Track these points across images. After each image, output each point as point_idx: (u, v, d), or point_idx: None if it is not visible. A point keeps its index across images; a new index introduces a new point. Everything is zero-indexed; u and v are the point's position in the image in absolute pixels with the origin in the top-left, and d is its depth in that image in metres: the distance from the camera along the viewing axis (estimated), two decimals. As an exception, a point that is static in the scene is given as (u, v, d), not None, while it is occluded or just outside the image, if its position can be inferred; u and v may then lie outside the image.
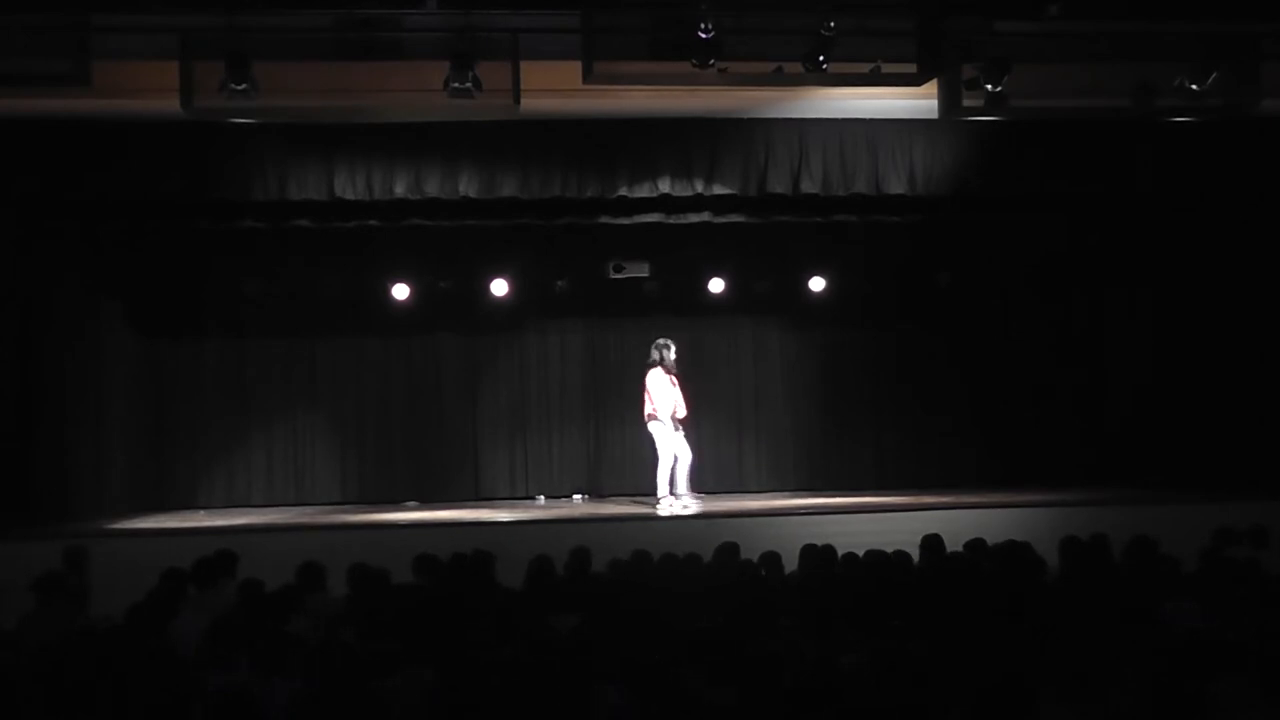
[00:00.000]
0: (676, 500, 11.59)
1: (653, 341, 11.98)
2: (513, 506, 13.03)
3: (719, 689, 4.53)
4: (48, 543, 8.86)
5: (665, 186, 11.31)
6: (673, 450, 11.65)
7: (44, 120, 10.40)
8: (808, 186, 11.33)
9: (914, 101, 10.40)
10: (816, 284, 13.97)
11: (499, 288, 13.63)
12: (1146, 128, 10.96)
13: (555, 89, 9.74)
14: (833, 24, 9.08)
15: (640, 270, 13.72)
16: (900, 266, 13.92)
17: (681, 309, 14.07)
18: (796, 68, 9.37)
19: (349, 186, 11.03)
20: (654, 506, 11.58)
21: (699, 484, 13.52)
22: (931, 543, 7.88)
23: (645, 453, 11.92)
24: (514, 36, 9.20)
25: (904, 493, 12.67)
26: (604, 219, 11.87)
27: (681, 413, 11.78)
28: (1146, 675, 4.42)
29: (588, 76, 9.21)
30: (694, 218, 11.83)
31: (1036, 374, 14.11)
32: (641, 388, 11.86)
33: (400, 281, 13.56)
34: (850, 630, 5.59)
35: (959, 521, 9.85)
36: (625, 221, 11.89)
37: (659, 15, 9.12)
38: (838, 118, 11.25)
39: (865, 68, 9.65)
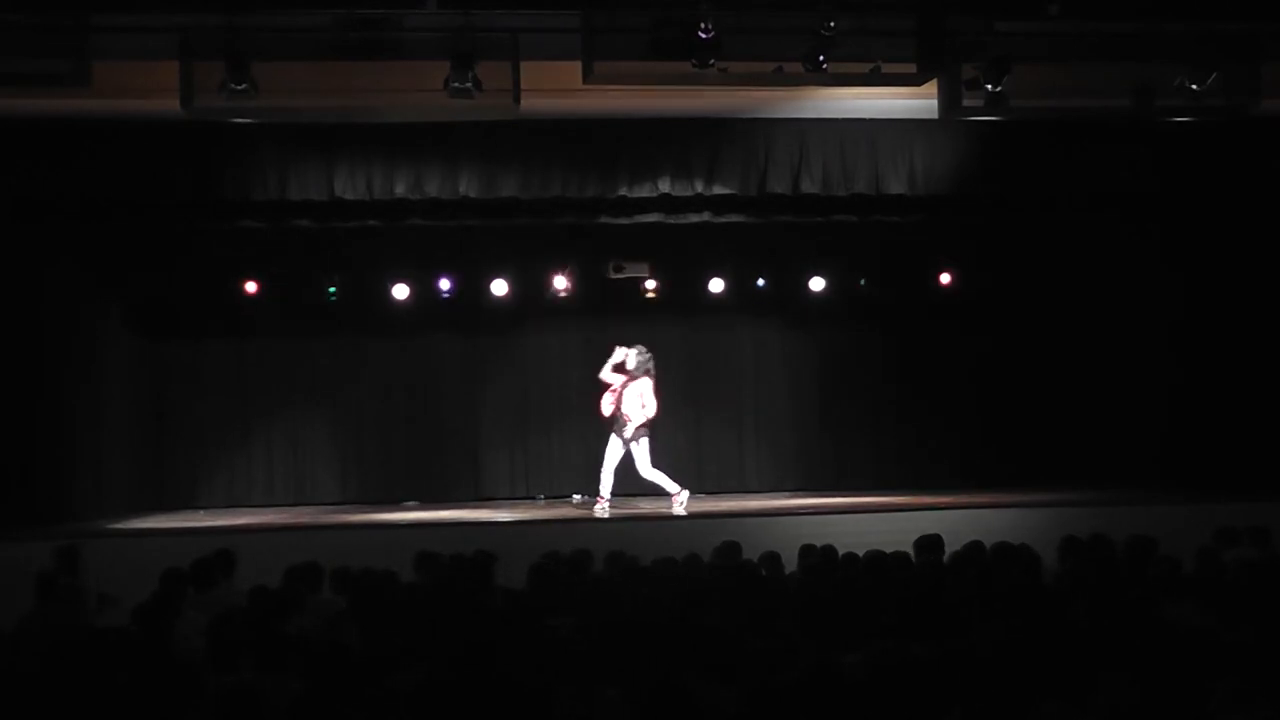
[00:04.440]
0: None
1: (640, 349, 11.83)
2: (513, 506, 13.03)
3: (719, 689, 4.52)
4: (48, 543, 8.86)
5: (665, 186, 11.30)
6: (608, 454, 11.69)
7: (44, 120, 10.40)
8: (808, 186, 11.32)
9: (914, 101, 10.40)
10: (816, 284, 13.99)
11: (499, 288, 13.64)
12: (1146, 127, 10.95)
13: (555, 89, 9.74)
14: (833, 24, 9.07)
15: (640, 270, 13.72)
16: (900, 266, 13.93)
17: (681, 309, 14.07)
18: (796, 68, 9.37)
19: (349, 186, 11.03)
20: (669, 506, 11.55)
21: (700, 484, 13.56)
22: (926, 543, 7.87)
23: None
24: (514, 36, 9.19)
25: (904, 493, 12.67)
26: (604, 219, 11.86)
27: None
28: (1146, 675, 4.41)
29: (588, 76, 9.21)
30: (694, 218, 11.82)
31: (1036, 374, 14.12)
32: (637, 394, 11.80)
33: (400, 281, 13.57)
34: (850, 630, 5.58)
35: (959, 521, 9.85)
36: (625, 221, 11.88)
37: (659, 15, 9.11)
38: (838, 118, 11.25)
39: (865, 68, 9.65)
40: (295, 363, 13.99)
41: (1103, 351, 13.89)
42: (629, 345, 11.83)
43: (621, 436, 11.58)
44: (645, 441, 11.58)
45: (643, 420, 11.55)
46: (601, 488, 11.63)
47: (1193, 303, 12.71)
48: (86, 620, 6.73)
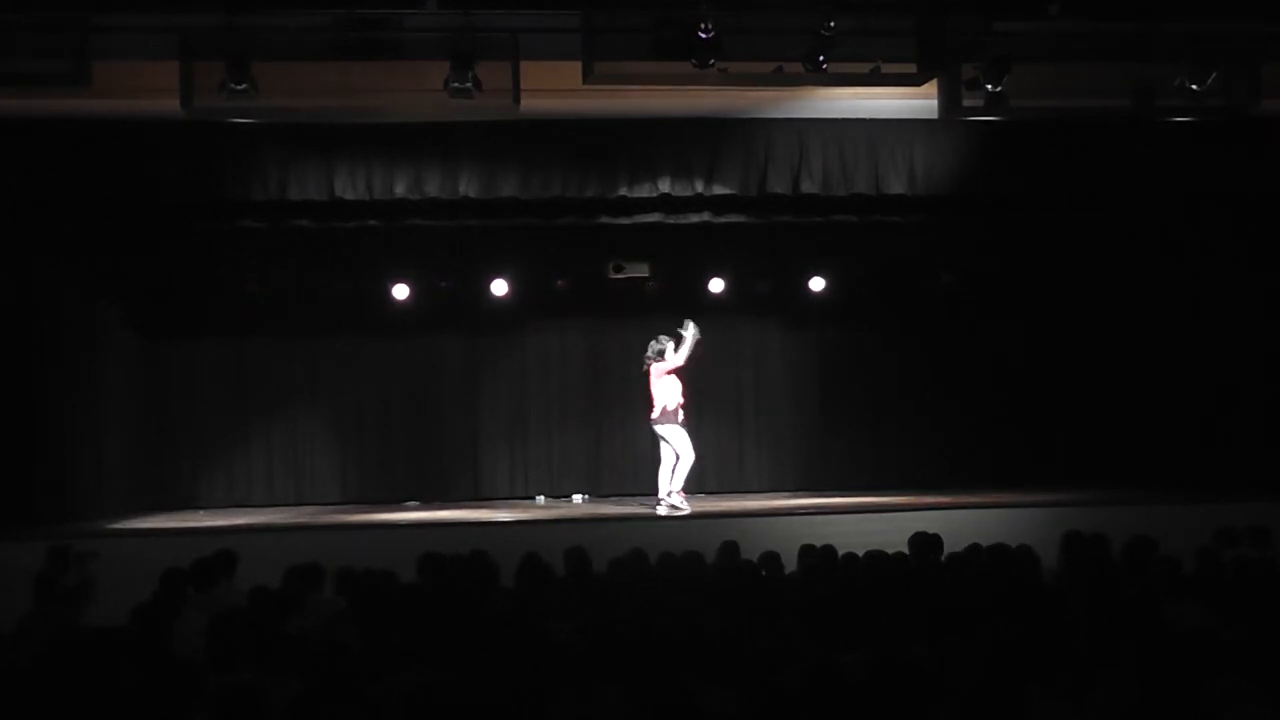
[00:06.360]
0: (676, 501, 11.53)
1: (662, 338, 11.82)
2: (513, 506, 13.03)
3: (719, 690, 4.52)
4: (48, 543, 8.86)
5: (665, 186, 11.31)
6: (680, 450, 11.57)
7: (44, 120, 10.41)
8: (808, 186, 11.33)
9: (914, 101, 10.40)
10: (816, 284, 13.99)
11: (499, 288, 13.64)
12: (1146, 127, 10.95)
13: (555, 89, 9.75)
14: (833, 24, 9.08)
15: (640, 270, 13.72)
16: (901, 267, 13.93)
17: (681, 309, 14.05)
18: (796, 68, 9.37)
19: (349, 186, 11.03)
20: (655, 507, 11.54)
21: (699, 484, 13.55)
22: (924, 543, 7.87)
23: (646, 452, 11.87)
24: (514, 36, 9.20)
25: (904, 493, 12.67)
26: (604, 219, 11.87)
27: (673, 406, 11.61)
28: (1146, 675, 4.41)
29: (588, 76, 9.20)
30: (694, 218, 11.83)
31: (1035, 374, 14.12)
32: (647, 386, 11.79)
33: (400, 281, 13.57)
34: (850, 630, 5.59)
35: (959, 521, 9.87)
36: (625, 221, 11.88)
37: (659, 15, 9.12)
38: (838, 118, 11.25)
39: (865, 68, 9.65)
40: (295, 363, 13.99)
41: (1102, 352, 13.89)
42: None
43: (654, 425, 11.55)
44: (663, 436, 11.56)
45: (660, 409, 11.53)
46: (673, 484, 11.49)
47: (1192, 303, 12.71)
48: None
